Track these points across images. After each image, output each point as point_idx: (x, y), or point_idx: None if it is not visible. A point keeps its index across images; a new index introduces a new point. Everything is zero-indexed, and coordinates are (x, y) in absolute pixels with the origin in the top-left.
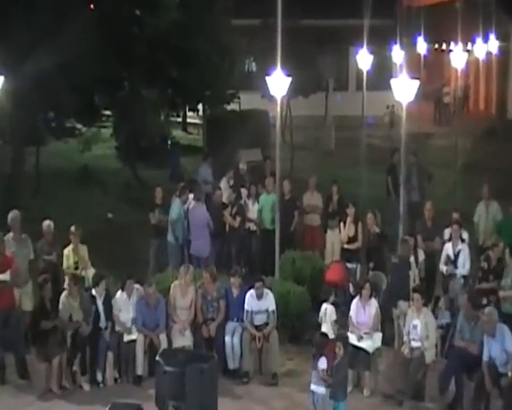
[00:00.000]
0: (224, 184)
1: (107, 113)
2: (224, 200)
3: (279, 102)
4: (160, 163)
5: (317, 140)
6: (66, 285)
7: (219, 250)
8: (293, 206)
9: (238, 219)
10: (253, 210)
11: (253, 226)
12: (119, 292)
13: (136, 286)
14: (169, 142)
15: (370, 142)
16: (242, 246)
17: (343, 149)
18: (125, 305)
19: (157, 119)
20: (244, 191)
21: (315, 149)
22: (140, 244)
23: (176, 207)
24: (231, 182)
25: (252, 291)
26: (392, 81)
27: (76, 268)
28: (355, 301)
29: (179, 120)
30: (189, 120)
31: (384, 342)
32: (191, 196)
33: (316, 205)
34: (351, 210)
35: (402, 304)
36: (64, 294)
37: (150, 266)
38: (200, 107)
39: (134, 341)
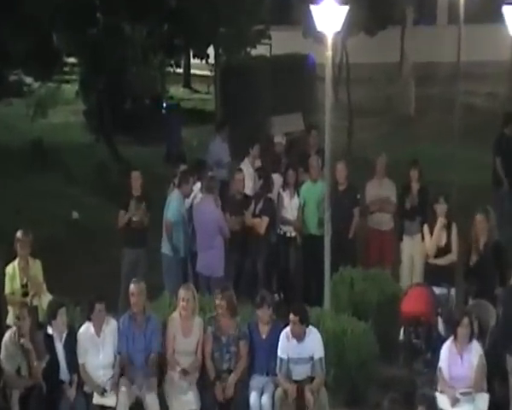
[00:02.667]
0: (246, 166)
1: (72, 60)
2: (247, 191)
3: (330, 42)
4: (151, 136)
5: (387, 100)
6: (10, 320)
7: (239, 267)
8: (351, 200)
9: (266, 219)
10: (290, 207)
11: (290, 231)
12: (85, 325)
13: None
14: (164, 104)
15: (470, 102)
16: (274, 261)
17: (427, 114)
18: (94, 344)
19: (146, 69)
20: (277, 178)
21: (385, 114)
22: (120, 257)
23: (174, 204)
24: (257, 164)
25: (288, 329)
26: (505, 9)
27: (25, 294)
28: (447, 346)
29: (180, 71)
30: (194, 72)
31: (492, 407)
32: (197, 185)
33: (386, 199)
34: (441, 207)
35: None
36: (8, 335)
37: (121, 292)
38: (211, 51)
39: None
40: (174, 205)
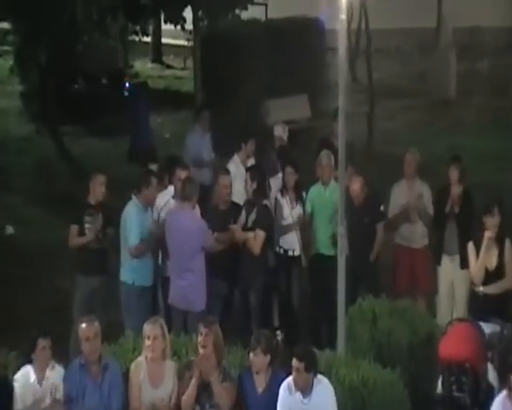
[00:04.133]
0: (235, 166)
1: (3, 26)
2: (237, 198)
3: (345, 2)
4: (110, 126)
5: (420, 78)
6: None
7: (227, 298)
8: (373, 210)
9: (261, 234)
10: (292, 217)
11: (293, 249)
12: (24, 369)
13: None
14: (127, 84)
15: None
16: (272, 289)
17: (472, 96)
18: (34, 394)
19: (103, 38)
20: (275, 181)
21: (416, 97)
22: (68, 285)
23: (135, 214)
24: (250, 162)
25: (290, 379)
26: None
27: None
28: (500, 401)
29: (147, 40)
30: (166, 41)
31: None
32: (170, 190)
33: (418, 207)
34: (492, 220)
35: None
36: None
37: (72, 334)
38: (188, 14)
39: None
40: (135, 216)
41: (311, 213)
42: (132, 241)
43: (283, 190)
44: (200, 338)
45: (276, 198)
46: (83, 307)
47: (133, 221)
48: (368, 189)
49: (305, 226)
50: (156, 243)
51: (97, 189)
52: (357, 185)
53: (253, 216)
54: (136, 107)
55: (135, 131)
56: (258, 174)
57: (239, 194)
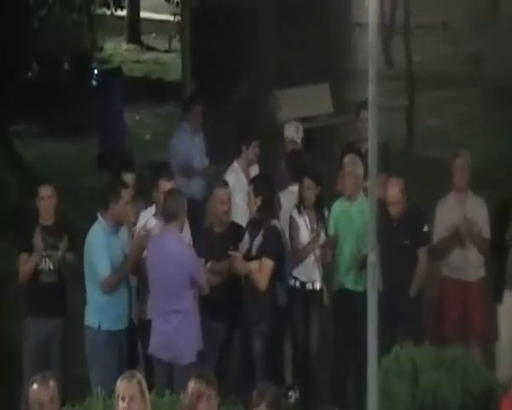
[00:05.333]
0: (235, 176)
1: None
2: (238, 217)
3: None
4: (74, 124)
5: (474, 62)
6: None
7: (225, 347)
8: (413, 229)
9: (269, 264)
10: (307, 240)
11: (312, 282)
12: None
13: None
14: (95, 70)
15: None
16: (282, 334)
17: None
18: None
19: (64, 12)
20: (287, 195)
21: (470, 85)
22: (19, 332)
23: (103, 237)
24: (254, 171)
25: None
26: None
27: None
28: None
29: (122, 14)
30: (146, 16)
31: None
32: (150, 208)
33: (471, 228)
34: None
35: None
36: None
37: (23, 393)
38: None
39: None
40: (100, 247)
41: (335, 236)
42: (101, 272)
43: (300, 206)
44: (190, 399)
45: (291, 217)
46: (34, 360)
47: (100, 246)
48: (408, 202)
49: (329, 251)
50: (129, 278)
51: (45, 204)
52: (395, 190)
53: (258, 240)
54: (107, 100)
55: (106, 131)
56: (265, 187)
57: (240, 212)
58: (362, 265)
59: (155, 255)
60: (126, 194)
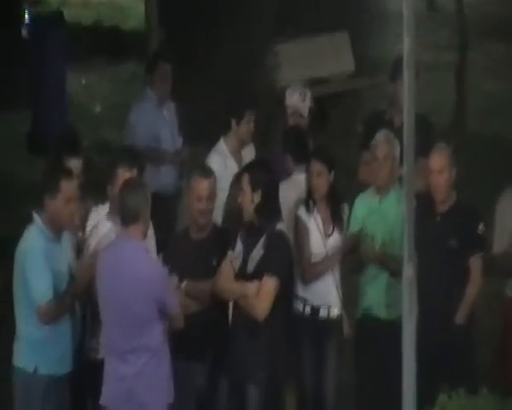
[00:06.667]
0: (221, 160)
1: None
2: (220, 215)
3: None
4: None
5: None
6: None
7: (205, 395)
8: (464, 227)
9: (271, 285)
10: (324, 248)
11: (327, 306)
12: None
13: None
14: (27, 16)
15: None
16: (284, 377)
17: None
18: None
19: None
20: (288, 187)
21: None
22: None
23: (41, 247)
24: (249, 155)
25: None
26: None
27: None
28: None
29: None
30: None
31: None
32: (103, 207)
33: None
34: None
35: None
36: None
37: None
38: None
39: None
40: (38, 260)
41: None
42: (38, 296)
43: (309, 202)
44: None
45: (297, 217)
46: None
47: (38, 260)
48: (458, 195)
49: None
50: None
51: None
52: (439, 163)
53: (257, 252)
54: (42, 57)
55: (40, 102)
56: (266, 177)
57: (224, 210)
58: (393, 271)
59: (108, 273)
60: (69, 186)
